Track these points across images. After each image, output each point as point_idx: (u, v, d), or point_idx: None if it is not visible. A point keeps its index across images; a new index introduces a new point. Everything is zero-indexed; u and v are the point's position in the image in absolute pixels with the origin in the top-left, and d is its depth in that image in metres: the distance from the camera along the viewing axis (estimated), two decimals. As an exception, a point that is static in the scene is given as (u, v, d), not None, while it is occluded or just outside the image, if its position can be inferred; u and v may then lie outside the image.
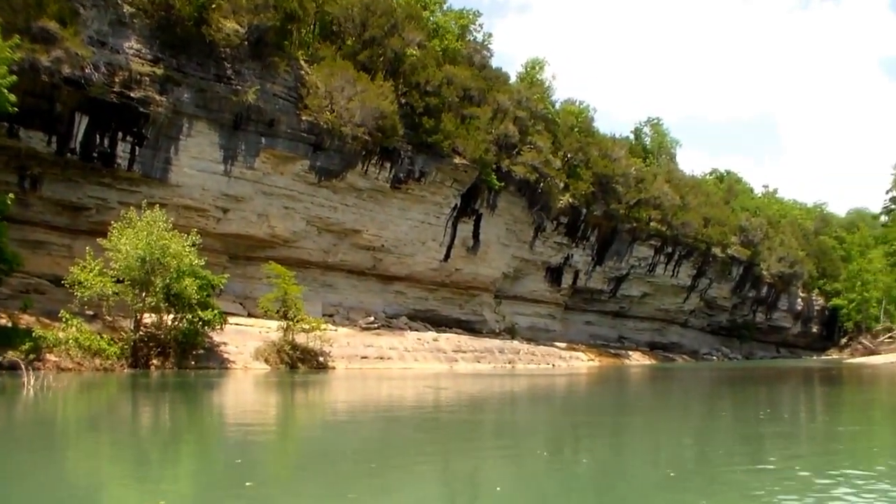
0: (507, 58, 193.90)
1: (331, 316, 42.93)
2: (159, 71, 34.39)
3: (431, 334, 47.00)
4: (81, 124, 32.42)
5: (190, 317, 30.80)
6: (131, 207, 30.74)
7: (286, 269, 36.77)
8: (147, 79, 33.95)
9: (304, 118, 40.15)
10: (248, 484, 7.58)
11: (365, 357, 38.57)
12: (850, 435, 13.65)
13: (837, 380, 31.99)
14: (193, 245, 30.90)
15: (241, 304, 39.89)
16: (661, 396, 25.81)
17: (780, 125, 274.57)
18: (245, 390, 24.87)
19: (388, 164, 44.84)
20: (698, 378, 37.67)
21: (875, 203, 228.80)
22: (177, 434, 13.15)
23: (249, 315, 39.06)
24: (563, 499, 7.32)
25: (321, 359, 36.04)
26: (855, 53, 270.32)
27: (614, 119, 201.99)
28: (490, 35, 61.88)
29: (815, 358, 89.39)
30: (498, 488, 7.78)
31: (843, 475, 8.32)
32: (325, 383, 28.50)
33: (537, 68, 63.82)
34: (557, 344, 60.47)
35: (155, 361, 30.13)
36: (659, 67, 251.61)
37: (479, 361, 45.28)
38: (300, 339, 35.72)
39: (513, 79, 61.57)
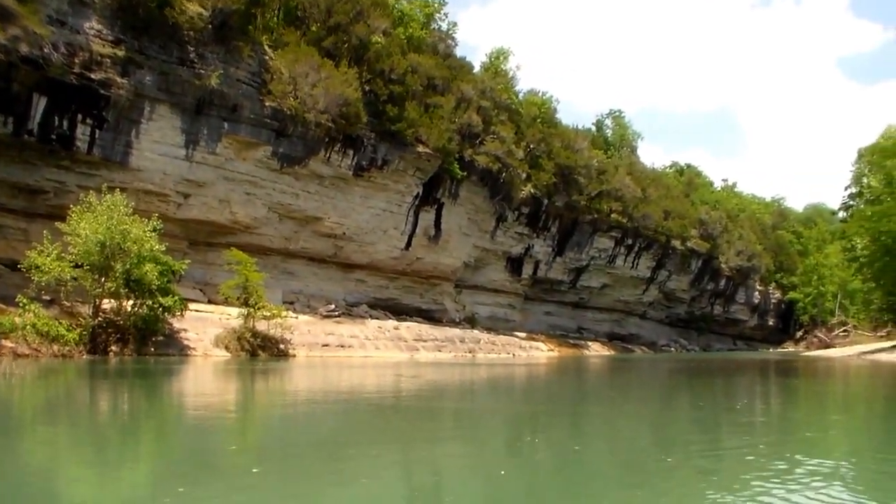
0: (469, 49, 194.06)
1: (291, 303, 43.01)
2: (121, 53, 34.05)
3: (392, 323, 47.28)
4: (39, 105, 32.01)
5: (150, 303, 30.67)
6: (91, 191, 30.44)
7: (247, 255, 36.62)
8: (108, 60, 33.61)
9: (267, 104, 40.13)
10: (204, 474, 7.67)
11: (326, 345, 38.74)
12: (805, 423, 14.15)
13: (796, 372, 32.77)
14: (155, 230, 30.71)
15: (201, 290, 39.83)
16: (623, 386, 26.31)
17: (740, 120, 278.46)
18: (205, 377, 24.81)
19: (350, 152, 44.96)
20: (659, 369, 38.40)
21: (832, 199, 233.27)
22: (135, 422, 13.14)
23: (209, 302, 39.05)
24: (522, 485, 7.49)
25: (282, 346, 36.13)
26: (814, 52, 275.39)
27: (575, 110, 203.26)
28: (455, 24, 62.25)
29: (771, 350, 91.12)
30: (457, 475, 7.95)
31: (798, 461, 8.69)
32: (286, 371, 28.50)
33: (501, 58, 64.18)
34: (517, 334, 61.09)
35: (114, 348, 29.88)
36: (618, 59, 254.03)
37: (440, 350, 45.67)
38: (261, 326, 35.78)
39: (476, 69, 61.67)
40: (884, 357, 44.53)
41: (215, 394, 18.81)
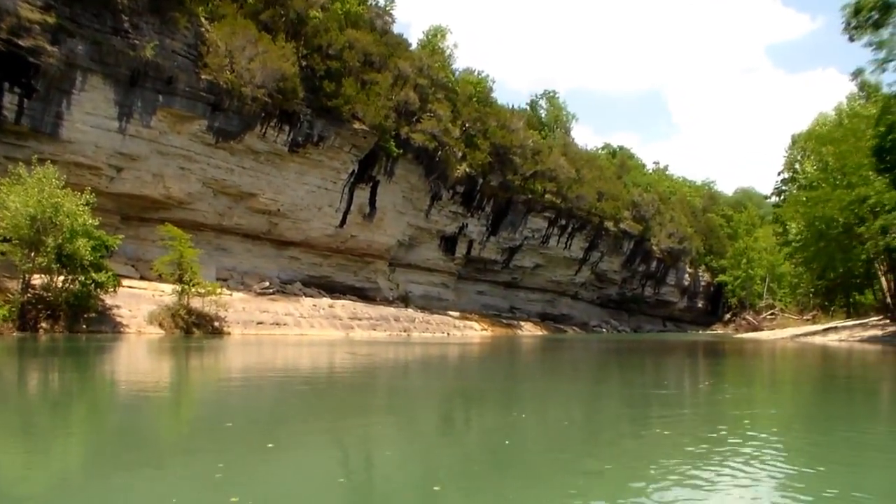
0: (401, 26, 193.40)
1: (225, 280, 43.15)
2: (51, 20, 33.70)
3: (327, 301, 47.74)
4: (-38, 72, 31.52)
5: (82, 279, 30.50)
6: (20, 163, 30.17)
7: (181, 231, 36.58)
8: (38, 27, 33.25)
9: (203, 77, 40.26)
10: (136, 452, 7.81)
11: (261, 323, 39.10)
12: (734, 401, 15.01)
13: (738, 353, 34.01)
14: (88, 204, 30.55)
15: (133, 266, 39.79)
16: (556, 365, 27.10)
17: (670, 103, 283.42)
18: (138, 355, 24.69)
19: (286, 128, 45.26)
20: (592, 349, 39.37)
21: (761, 183, 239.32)
22: (66, 401, 13.11)
23: (142, 278, 39.08)
24: (455, 457, 7.97)
25: (217, 324, 36.41)
26: (743, 39, 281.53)
27: (507, 88, 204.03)
28: (392, 1, 62.17)
29: (700, 332, 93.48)
30: (388, 452, 8.28)
31: (723, 438, 9.40)
32: (221, 349, 28.49)
33: (439, 36, 64.60)
34: (451, 313, 62.08)
35: (44, 325, 29.65)
36: (549, 38, 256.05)
37: (374, 329, 46.35)
38: (195, 303, 36.00)
39: (413, 46, 62.01)
40: (817, 340, 46.51)
41: (149, 371, 18.79)
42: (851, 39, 33.00)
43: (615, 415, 12.00)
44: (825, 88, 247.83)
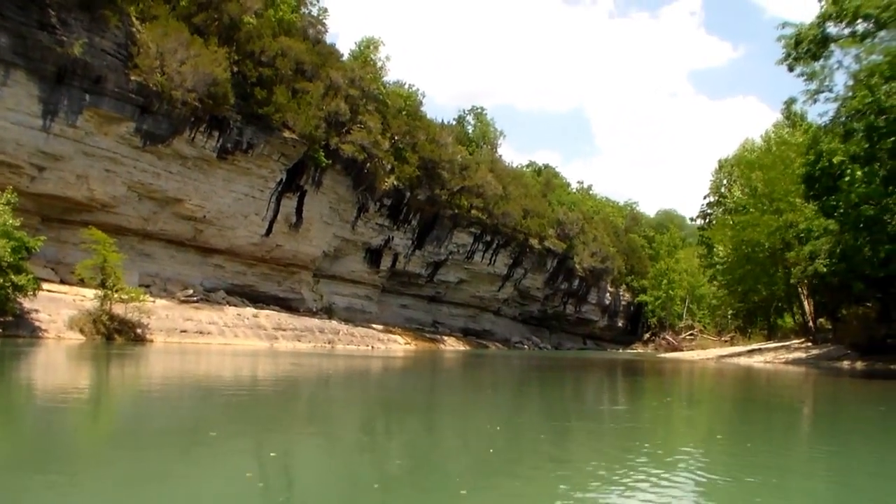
0: (331, 36, 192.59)
1: (147, 287, 42.58)
2: (-29, 10, 32.91)
3: (251, 310, 47.51)
4: None
5: (0, 281, 29.78)
6: (-64, 158, 29.42)
7: (105, 235, 36.04)
8: (-44, 17, 32.43)
9: (132, 78, 39.89)
10: (45, 462, 7.62)
11: (184, 331, 38.84)
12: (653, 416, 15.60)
13: (669, 372, 34.85)
14: (8, 204, 30.01)
15: (52, 269, 39.08)
16: (480, 380, 27.52)
17: (593, 125, 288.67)
18: (57, 361, 24.26)
19: (216, 133, 45.14)
20: (516, 365, 39.97)
21: (682, 205, 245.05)
22: None
23: (62, 282, 38.47)
24: (372, 473, 8.06)
25: (139, 331, 36.07)
26: (667, 65, 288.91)
27: (432, 104, 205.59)
28: (325, 10, 62.63)
29: (621, 351, 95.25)
30: (309, 464, 8.31)
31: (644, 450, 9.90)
32: (143, 357, 28.15)
33: (371, 48, 64.73)
34: (374, 326, 62.24)
35: (-42, 329, 29.00)
36: (471, 56, 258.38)
37: (299, 340, 46.31)
38: (118, 309, 35.45)
39: (345, 57, 62.18)
40: (742, 361, 47.96)
41: (67, 378, 18.55)
42: (790, 69, 34.38)
43: (537, 433, 12.18)
44: (746, 115, 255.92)
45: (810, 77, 34.36)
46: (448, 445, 10.09)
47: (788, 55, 34.15)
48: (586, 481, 7.48)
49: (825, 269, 42.07)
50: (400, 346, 59.08)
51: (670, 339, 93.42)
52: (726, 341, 79.02)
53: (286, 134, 49.20)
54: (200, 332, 40.00)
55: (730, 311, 75.75)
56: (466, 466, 8.52)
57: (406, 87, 72.16)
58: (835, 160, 37.17)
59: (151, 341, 36.04)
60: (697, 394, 23.69)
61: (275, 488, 7.19)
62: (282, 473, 7.94)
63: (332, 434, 10.90)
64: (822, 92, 34.61)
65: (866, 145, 29.52)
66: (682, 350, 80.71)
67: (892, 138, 27.61)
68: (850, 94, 31.99)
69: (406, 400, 17.34)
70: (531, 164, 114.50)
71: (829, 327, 54.57)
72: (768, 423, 15.10)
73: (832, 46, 33.00)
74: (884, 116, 27.42)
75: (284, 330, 46.82)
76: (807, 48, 33.18)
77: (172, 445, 8.92)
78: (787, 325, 68.80)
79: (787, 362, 43.76)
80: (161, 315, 38.81)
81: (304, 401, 16.12)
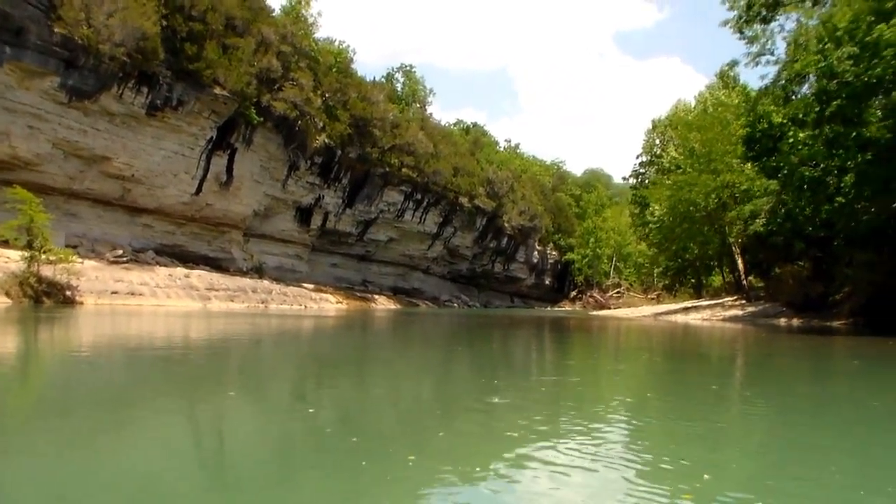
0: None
1: (75, 247, 41.58)
2: None
3: (183, 271, 46.77)
4: None
5: (-84, 242, 28.74)
6: None
7: (31, 194, 34.91)
8: None
9: (56, 30, 38.59)
10: None
11: (115, 293, 38.07)
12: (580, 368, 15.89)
13: (611, 332, 35.15)
14: (-70, 163, 28.86)
15: (-26, 229, 37.51)
16: (414, 337, 27.57)
17: (517, 84, 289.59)
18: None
19: (145, 90, 44.01)
20: (448, 323, 40.23)
21: (609, 164, 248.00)
22: None
23: (-15, 243, 36.91)
24: (307, 435, 7.83)
25: (69, 293, 35.21)
26: (594, 25, 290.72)
27: (358, 63, 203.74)
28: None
29: (550, 309, 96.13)
30: (242, 428, 8.21)
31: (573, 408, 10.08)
32: (73, 319, 27.38)
33: (303, 3, 63.50)
34: (305, 285, 61.92)
35: None
36: (395, 14, 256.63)
37: (232, 301, 45.86)
38: (46, 271, 34.49)
39: (276, 13, 61.04)
40: (679, 318, 48.72)
41: None
42: (740, 31, 34.81)
43: (468, 390, 12.25)
44: (669, 76, 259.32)
45: (751, 41, 34.91)
46: (383, 405, 10.09)
47: (740, 17, 34.61)
48: (524, 437, 7.54)
49: (763, 229, 43.06)
50: (332, 305, 58.85)
51: (597, 296, 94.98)
52: (652, 299, 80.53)
53: (217, 91, 48.18)
54: (132, 294, 39.26)
55: (656, 270, 77.04)
56: (401, 425, 8.51)
57: (336, 44, 71.26)
58: (774, 121, 38.01)
59: (82, 303, 35.23)
60: (673, 351, 23.89)
61: (207, 451, 7.09)
62: (215, 436, 7.80)
63: (267, 395, 10.76)
64: (764, 55, 35.28)
65: (817, 108, 30.06)
66: (609, 308, 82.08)
67: (838, 101, 28.17)
68: (793, 58, 32.51)
69: (344, 358, 17.30)
70: (459, 122, 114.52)
71: (760, 285, 55.95)
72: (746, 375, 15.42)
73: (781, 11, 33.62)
74: (836, 80, 27.91)
75: (217, 290, 46.23)
76: (758, 11, 33.67)
77: (102, 411, 8.63)
78: (716, 283, 70.35)
79: (724, 319, 44.74)
80: (91, 276, 37.95)
81: (239, 361, 15.85)
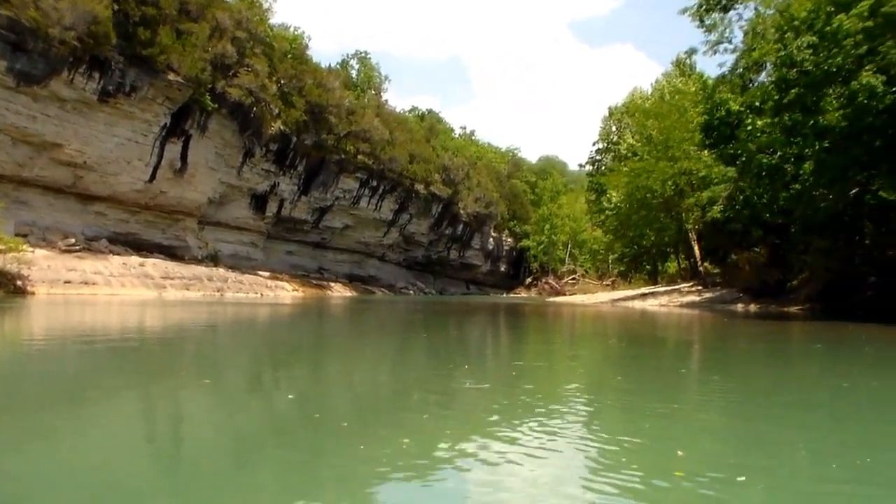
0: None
1: (24, 236, 40.73)
2: None
3: (137, 259, 46.05)
4: None
5: None
6: None
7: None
8: None
9: (2, 12, 37.51)
10: None
11: (68, 282, 37.38)
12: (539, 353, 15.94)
13: (570, 318, 35.24)
14: None
15: (-80, 218, 36.55)
16: (372, 325, 27.44)
17: (471, 72, 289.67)
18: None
19: (97, 75, 43.08)
20: (404, 310, 40.18)
21: (564, 151, 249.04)
22: None
23: (-70, 232, 35.96)
24: (263, 424, 7.84)
25: (19, 283, 34.54)
26: (549, 13, 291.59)
27: (312, 50, 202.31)
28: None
29: (505, 296, 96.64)
30: (200, 415, 8.11)
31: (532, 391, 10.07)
32: (25, 309, 26.77)
33: (258, -12, 62.67)
34: (261, 273, 61.33)
35: None
36: (350, 4, 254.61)
37: (188, 289, 45.33)
38: (-5, 260, 33.62)
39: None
40: (637, 304, 49.02)
41: None
42: (701, 20, 35.03)
43: (424, 375, 12.29)
44: (623, 63, 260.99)
45: (710, 29, 35.22)
46: (338, 393, 10.03)
47: (700, 6, 34.86)
48: (479, 423, 7.57)
49: (721, 216, 43.49)
50: (288, 292, 58.39)
51: (553, 283, 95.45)
52: (608, 285, 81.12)
53: (171, 77, 47.35)
54: (85, 283, 38.57)
55: (612, 256, 77.60)
56: (356, 414, 8.42)
57: (291, 30, 70.55)
58: (732, 109, 38.35)
59: (33, 293, 34.53)
60: (638, 336, 23.96)
61: (163, 441, 6.99)
62: (171, 426, 7.69)
63: (223, 384, 10.61)
64: (722, 43, 35.63)
65: (775, 96, 30.36)
66: (564, 294, 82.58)
67: (797, 89, 28.46)
68: (751, 46, 32.83)
69: (300, 347, 17.20)
70: (414, 109, 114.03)
71: (716, 272, 56.53)
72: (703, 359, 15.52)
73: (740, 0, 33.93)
74: (795, 69, 28.17)
75: (172, 279, 45.59)
76: (718, 0, 33.96)
77: (56, 402, 8.50)
78: (671, 269, 70.98)
79: (681, 305, 45.17)
80: (42, 266, 37.20)
81: (195, 351, 15.62)
